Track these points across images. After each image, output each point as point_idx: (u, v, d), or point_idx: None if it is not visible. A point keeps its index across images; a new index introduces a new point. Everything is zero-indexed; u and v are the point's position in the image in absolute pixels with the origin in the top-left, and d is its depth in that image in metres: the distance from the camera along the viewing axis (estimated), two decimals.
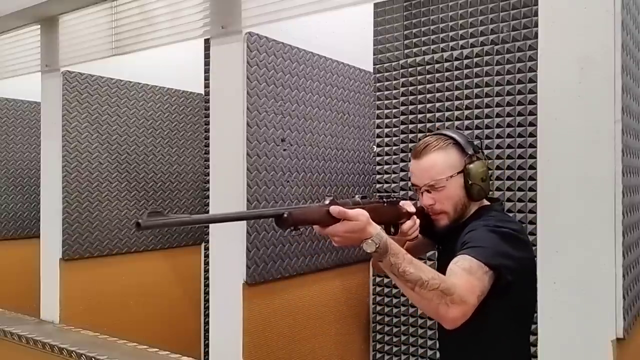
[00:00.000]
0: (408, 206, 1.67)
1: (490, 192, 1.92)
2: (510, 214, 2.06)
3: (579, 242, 1.17)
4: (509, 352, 1.60)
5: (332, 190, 2.26)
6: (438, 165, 1.62)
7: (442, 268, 1.77)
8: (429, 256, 2.26)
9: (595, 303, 1.14)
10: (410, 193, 2.38)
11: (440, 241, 1.81)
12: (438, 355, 2.34)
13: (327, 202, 1.35)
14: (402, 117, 2.42)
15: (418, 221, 1.67)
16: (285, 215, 1.29)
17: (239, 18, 1.91)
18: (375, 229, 1.35)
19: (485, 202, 1.70)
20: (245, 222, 1.87)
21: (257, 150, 1.92)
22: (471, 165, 1.61)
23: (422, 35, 2.38)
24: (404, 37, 2.44)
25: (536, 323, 1.27)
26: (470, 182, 1.60)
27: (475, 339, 1.57)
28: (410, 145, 2.39)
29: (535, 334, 1.27)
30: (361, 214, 1.34)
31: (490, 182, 1.77)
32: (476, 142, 1.75)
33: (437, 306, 1.31)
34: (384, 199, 1.62)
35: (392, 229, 1.64)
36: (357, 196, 1.51)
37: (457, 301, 1.31)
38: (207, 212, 2.22)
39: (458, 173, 1.61)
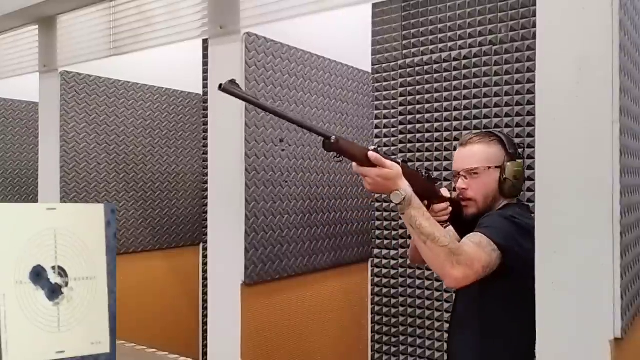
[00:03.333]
0: (444, 191, 1.77)
1: None
2: None
3: (577, 242, 1.17)
4: (505, 345, 1.63)
5: (330, 190, 2.26)
6: (478, 154, 1.72)
7: None
8: None
9: (594, 303, 1.15)
10: None
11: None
12: (438, 355, 2.34)
13: (371, 148, 1.50)
14: (400, 118, 2.42)
15: (450, 208, 1.76)
16: (333, 139, 1.45)
17: (237, 18, 1.91)
18: (404, 182, 1.49)
19: (514, 201, 1.77)
20: (243, 221, 1.88)
21: (256, 151, 1.92)
22: (509, 163, 1.70)
23: (420, 36, 2.38)
24: (402, 38, 2.44)
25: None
26: (504, 177, 1.69)
27: (474, 324, 1.66)
28: (409, 145, 2.40)
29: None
30: (395, 165, 1.49)
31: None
32: None
33: (444, 262, 1.43)
34: (424, 173, 1.72)
35: (425, 203, 1.71)
36: (399, 160, 1.61)
37: (462, 262, 1.43)
38: (206, 212, 2.22)
39: (496, 167, 1.70)
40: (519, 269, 1.49)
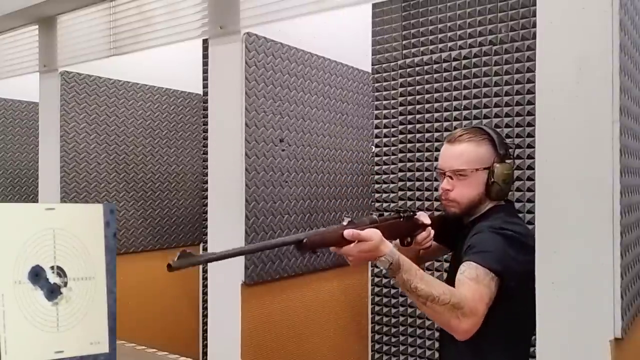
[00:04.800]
0: (424, 217, 1.70)
1: None
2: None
3: (577, 242, 1.17)
4: (502, 351, 1.60)
5: (330, 190, 2.26)
6: (467, 155, 1.63)
7: (452, 270, 1.77)
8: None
9: (594, 303, 1.14)
10: (409, 193, 2.38)
11: (452, 245, 1.81)
12: (437, 355, 2.34)
13: (345, 223, 1.42)
14: (400, 118, 2.42)
15: (432, 232, 1.71)
16: (305, 240, 1.38)
17: (237, 18, 1.91)
18: (388, 247, 1.41)
19: (501, 202, 1.70)
20: (243, 221, 1.88)
21: (256, 151, 1.91)
22: (498, 165, 1.62)
23: (420, 36, 2.38)
24: (402, 38, 2.44)
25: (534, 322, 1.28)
26: (492, 180, 1.62)
27: (474, 341, 1.57)
28: (409, 145, 2.39)
29: (534, 334, 1.27)
30: (374, 233, 1.40)
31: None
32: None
33: (449, 319, 1.38)
34: (401, 215, 1.66)
35: (408, 240, 1.69)
36: (374, 214, 1.56)
37: (467, 314, 1.38)
38: (206, 212, 2.22)
39: (484, 169, 1.63)
40: (519, 287, 1.44)
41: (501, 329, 1.54)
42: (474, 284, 1.42)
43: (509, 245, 1.50)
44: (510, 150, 1.68)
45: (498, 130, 2.12)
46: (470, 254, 1.51)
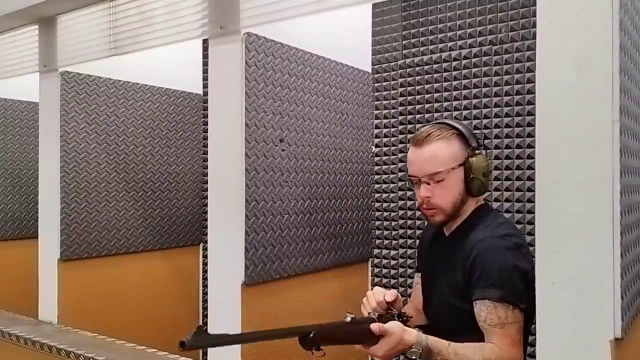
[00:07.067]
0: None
1: (488, 192, 1.91)
2: (508, 214, 2.07)
3: (577, 242, 1.17)
4: None
5: (330, 190, 2.26)
6: (440, 155, 1.53)
7: (427, 272, 1.73)
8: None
9: (594, 303, 1.14)
10: (409, 194, 2.38)
11: (429, 245, 1.77)
12: None
13: (348, 319, 1.39)
14: (400, 118, 2.42)
15: None
16: (312, 334, 1.31)
17: (237, 18, 1.91)
18: (412, 335, 1.38)
19: (481, 201, 1.65)
20: (243, 221, 1.88)
21: (256, 151, 1.92)
22: (473, 159, 1.53)
23: (420, 36, 2.38)
24: (402, 38, 2.44)
25: (534, 323, 1.28)
26: (471, 176, 1.53)
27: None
28: (409, 145, 2.39)
29: (534, 334, 1.27)
30: (396, 324, 1.38)
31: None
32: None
33: None
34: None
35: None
36: (372, 313, 1.51)
37: None
38: (206, 212, 2.22)
39: (459, 165, 1.53)
40: (528, 302, 1.41)
41: None
42: (499, 330, 1.39)
43: (517, 258, 1.45)
44: (479, 140, 1.59)
45: (498, 130, 2.13)
46: (481, 287, 1.44)
